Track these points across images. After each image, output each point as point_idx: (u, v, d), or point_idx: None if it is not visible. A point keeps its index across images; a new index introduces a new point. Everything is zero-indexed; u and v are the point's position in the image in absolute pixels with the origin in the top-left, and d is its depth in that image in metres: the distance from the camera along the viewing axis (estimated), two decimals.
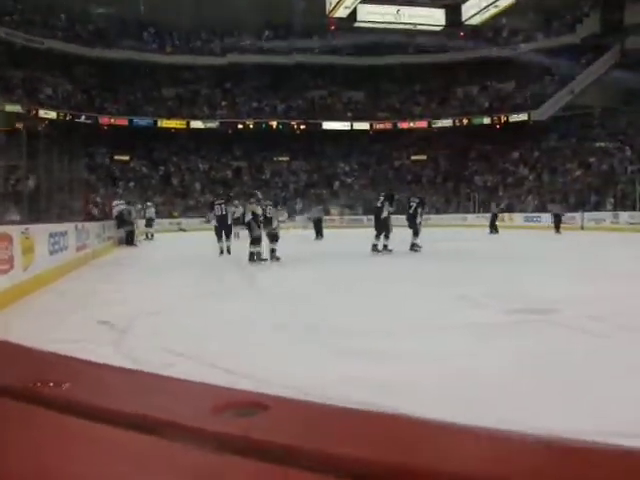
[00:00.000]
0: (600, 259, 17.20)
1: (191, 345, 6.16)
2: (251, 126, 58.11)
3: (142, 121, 55.66)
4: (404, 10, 31.01)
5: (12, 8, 50.32)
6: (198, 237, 22.71)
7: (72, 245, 14.83)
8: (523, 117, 54.99)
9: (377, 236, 18.80)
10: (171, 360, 5.49)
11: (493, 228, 32.82)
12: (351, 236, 30.97)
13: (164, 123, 56.37)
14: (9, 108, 41.41)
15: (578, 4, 54.96)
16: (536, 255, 19.10)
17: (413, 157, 60.42)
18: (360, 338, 6.43)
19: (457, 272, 13.73)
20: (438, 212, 50.58)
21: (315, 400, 0.89)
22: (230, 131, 57.81)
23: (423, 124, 58.58)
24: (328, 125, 59.09)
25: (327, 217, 38.56)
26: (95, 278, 13.82)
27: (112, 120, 54.30)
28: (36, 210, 13.55)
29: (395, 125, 59.21)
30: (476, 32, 52.67)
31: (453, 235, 20.36)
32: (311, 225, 30.51)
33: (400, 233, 19.03)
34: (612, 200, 39.20)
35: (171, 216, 47.58)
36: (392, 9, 30.79)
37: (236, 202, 32.61)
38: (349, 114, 60.61)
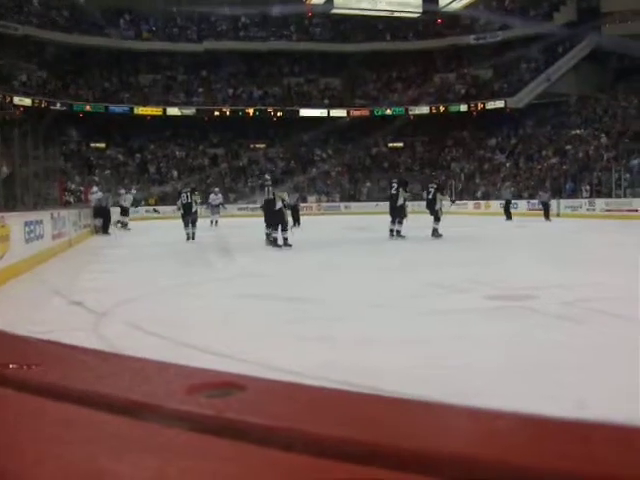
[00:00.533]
0: (577, 246, 17.33)
1: (167, 329, 6.16)
2: (228, 113, 57.85)
3: (118, 108, 55.21)
4: None
5: None
6: (174, 224, 22.68)
7: (48, 233, 14.73)
8: (500, 104, 55.13)
9: (393, 222, 19.12)
10: (147, 343, 5.49)
11: (508, 215, 32.86)
12: (329, 223, 31.01)
13: (140, 110, 55.92)
14: None
15: None
16: (513, 241, 19.21)
17: (390, 144, 60.44)
18: (337, 324, 6.45)
19: (437, 258, 13.79)
20: (415, 199, 50.64)
21: (293, 380, 0.89)
22: (206, 118, 57.49)
23: (400, 111, 58.53)
24: (305, 112, 58.92)
25: (304, 204, 38.46)
26: (71, 266, 13.75)
27: (87, 107, 53.81)
28: (11, 198, 13.45)
29: (372, 112, 59.17)
30: (453, 19, 52.85)
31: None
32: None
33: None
34: (588, 187, 39.44)
35: (147, 203, 47.34)
36: None
37: (216, 189, 32.54)
38: (326, 101, 60.48)
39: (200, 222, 22.26)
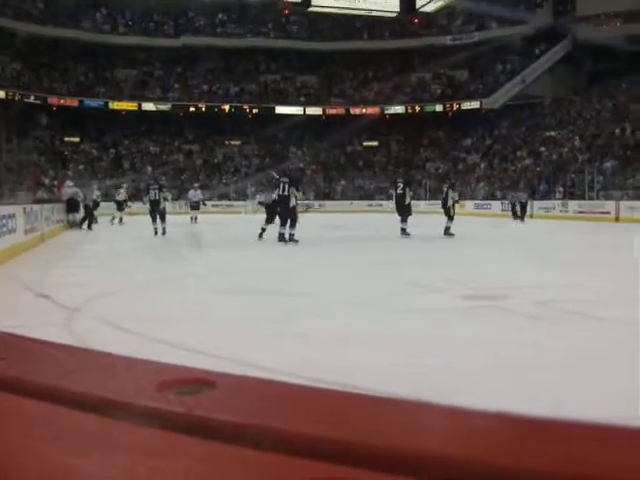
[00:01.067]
0: (551, 247, 17.45)
1: (140, 325, 6.10)
2: (203, 109, 57.66)
3: (93, 102, 54.83)
4: None
5: None
6: (147, 220, 22.65)
7: (20, 228, 14.58)
8: (475, 105, 55.43)
9: (403, 220, 19.46)
10: (118, 338, 5.44)
11: (517, 215, 32.44)
12: (303, 221, 30.93)
13: (115, 105, 55.60)
14: None
15: None
16: (488, 242, 19.30)
17: (365, 143, 60.56)
18: (313, 321, 6.43)
19: (414, 257, 13.83)
20: (389, 198, 50.79)
21: (263, 377, 0.86)
22: (182, 114, 57.32)
23: (376, 110, 58.59)
24: (281, 109, 58.90)
25: None
26: (43, 261, 13.63)
27: (62, 101, 53.36)
28: None
29: (348, 110, 59.20)
30: (430, 19, 53.02)
31: (415, 221, 20.56)
32: (262, 210, 30.39)
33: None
34: (561, 189, 39.73)
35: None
36: None
37: (196, 185, 32.48)
38: (302, 99, 60.52)
39: (180, 218, 22.32)
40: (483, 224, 29.30)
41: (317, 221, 25.46)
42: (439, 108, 57.47)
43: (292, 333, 5.83)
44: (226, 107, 58.11)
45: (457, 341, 5.54)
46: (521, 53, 55.29)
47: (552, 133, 49.00)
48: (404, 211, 19.61)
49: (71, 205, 25.12)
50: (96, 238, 21.47)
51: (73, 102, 53.87)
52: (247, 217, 36.38)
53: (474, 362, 4.82)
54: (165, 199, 22.07)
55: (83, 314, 6.90)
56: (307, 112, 59.13)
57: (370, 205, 50.71)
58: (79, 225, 24.92)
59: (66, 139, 54.67)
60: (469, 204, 44.32)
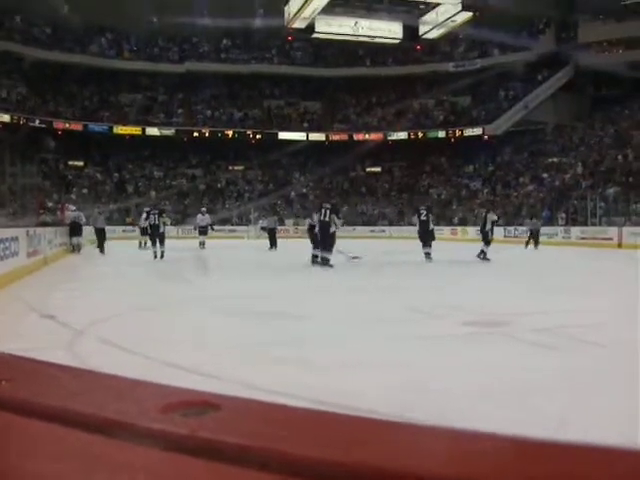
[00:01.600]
0: (552, 273, 17.42)
1: (144, 347, 6.10)
2: (207, 134, 57.83)
3: (97, 127, 55.03)
4: (362, 22, 31.13)
5: None
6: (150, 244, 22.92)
7: (23, 251, 14.60)
8: (478, 131, 55.49)
9: (428, 245, 20.24)
10: (122, 360, 5.44)
11: (532, 243, 31.20)
12: (306, 246, 30.97)
13: (120, 129, 55.78)
14: None
15: (534, 22, 55.89)
16: (490, 267, 19.28)
17: (368, 169, 60.68)
18: (316, 345, 6.43)
19: (417, 282, 13.82)
20: (392, 224, 50.90)
21: (268, 400, 0.87)
22: (186, 139, 57.51)
23: (379, 136, 58.74)
24: (284, 135, 59.03)
25: (281, 227, 38.41)
26: (47, 285, 13.63)
27: (67, 125, 53.59)
28: None
29: (351, 136, 59.34)
30: (433, 46, 53.29)
31: (413, 247, 20.77)
32: (265, 235, 30.46)
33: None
34: (564, 215, 39.73)
35: (125, 223, 47.09)
36: (350, 21, 30.93)
37: (203, 209, 32.46)
38: (305, 124, 60.69)
39: (188, 243, 22.54)
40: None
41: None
42: (442, 134, 57.53)
43: (297, 356, 5.83)
44: (230, 132, 58.28)
45: (460, 367, 5.54)
46: (523, 80, 55.49)
47: (555, 159, 49.08)
48: (428, 237, 20.34)
49: (74, 228, 25.15)
50: (99, 261, 21.53)
51: (78, 126, 54.08)
52: (250, 242, 36.52)
53: (477, 387, 4.82)
54: (164, 224, 22.68)
55: (88, 336, 6.91)
56: (310, 138, 59.21)
57: (373, 231, 50.68)
58: (100, 250, 24.91)
59: (70, 163, 54.88)
60: (471, 230, 44.31)
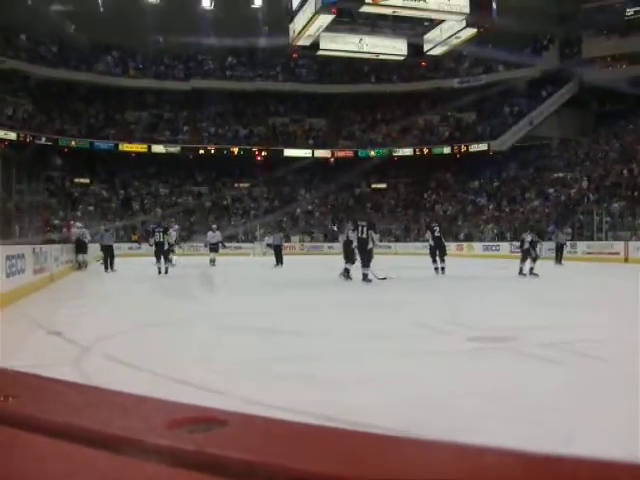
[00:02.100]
0: (559, 288, 17.38)
1: (149, 363, 6.10)
2: (212, 151, 57.91)
3: (103, 144, 55.14)
4: (367, 39, 31.15)
5: None
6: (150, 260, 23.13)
7: (30, 268, 14.62)
8: (483, 147, 55.47)
9: (443, 260, 21.21)
10: (128, 377, 5.44)
11: (558, 259, 29.89)
12: (312, 263, 30.97)
13: (125, 147, 55.87)
14: None
15: (537, 38, 56.04)
16: (496, 283, 19.26)
17: (373, 185, 60.69)
18: (321, 362, 6.42)
19: (423, 298, 13.80)
20: (398, 240, 50.86)
21: (273, 416, 0.87)
22: (191, 156, 57.61)
23: (384, 152, 58.75)
24: (289, 152, 59.04)
25: (287, 244, 38.39)
26: (54, 301, 13.65)
27: (73, 142, 53.74)
28: None
29: (356, 153, 59.38)
30: (438, 63, 53.33)
31: (419, 263, 20.91)
32: (271, 252, 30.42)
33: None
34: (569, 230, 39.66)
35: (131, 240, 47.13)
36: (355, 38, 30.90)
37: (214, 226, 32.38)
38: (310, 141, 60.74)
39: (197, 260, 22.92)
40: (490, 265, 29.21)
41: (325, 263, 25.48)
42: (447, 150, 57.54)
43: (303, 373, 5.83)
44: (235, 150, 58.36)
45: (466, 382, 5.53)
46: (528, 95, 55.56)
47: (560, 174, 49.06)
48: (443, 252, 21.38)
49: (79, 246, 25.17)
50: (105, 278, 21.58)
51: (84, 144, 54.19)
52: (256, 259, 36.49)
53: (483, 402, 4.81)
54: (169, 242, 23.80)
55: (94, 353, 6.92)
56: (316, 155, 59.19)
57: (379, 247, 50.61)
58: (110, 269, 24.85)
59: (76, 180, 55.02)
60: (477, 246, 44.31)
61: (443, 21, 27.87)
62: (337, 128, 62.06)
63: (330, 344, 7.63)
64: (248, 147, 58.65)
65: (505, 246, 41.05)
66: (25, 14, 48.73)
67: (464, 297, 14.29)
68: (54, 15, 49.55)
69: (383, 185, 60.53)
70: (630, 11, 51.01)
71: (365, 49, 32.22)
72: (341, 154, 59.53)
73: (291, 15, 28.44)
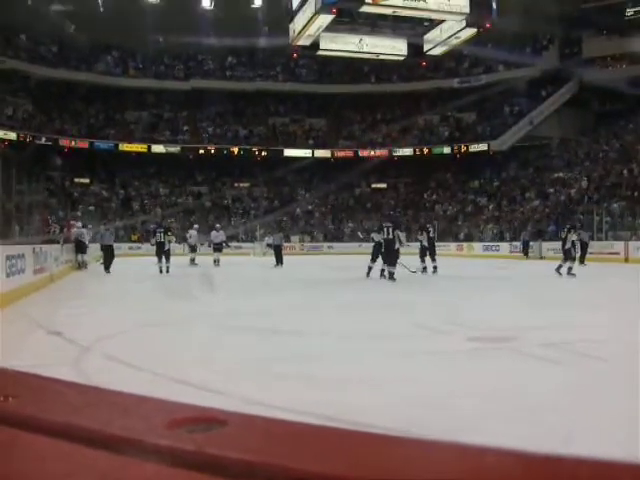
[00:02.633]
0: (558, 288, 17.37)
1: (149, 363, 6.10)
2: (212, 151, 57.84)
3: (103, 144, 55.10)
4: (367, 39, 31.13)
5: None
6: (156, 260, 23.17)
7: (30, 268, 14.61)
8: (483, 147, 55.43)
9: (432, 259, 21.81)
10: (128, 377, 5.44)
11: (582, 260, 27.31)
12: (312, 263, 30.98)
13: (125, 147, 55.79)
14: None
15: (538, 38, 56.05)
16: (496, 283, 19.26)
17: (373, 185, 60.67)
18: (320, 362, 6.42)
19: (422, 299, 13.80)
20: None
21: (273, 417, 0.87)
22: (191, 156, 57.53)
23: (384, 152, 58.75)
24: (289, 152, 58.98)
25: (287, 244, 38.36)
26: (53, 301, 13.64)
27: (73, 142, 53.69)
28: None
29: (356, 153, 59.34)
30: (438, 63, 53.33)
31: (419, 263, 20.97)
32: (271, 252, 30.38)
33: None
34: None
35: (130, 240, 47.11)
36: (355, 38, 30.88)
37: (218, 225, 32.21)
38: (310, 141, 60.70)
39: (201, 259, 25.43)
40: (490, 265, 29.21)
41: (325, 263, 25.51)
42: (447, 150, 57.49)
43: (302, 372, 5.83)
44: (235, 149, 58.29)
45: (466, 382, 5.53)
46: (528, 95, 55.48)
47: (560, 174, 49.04)
48: (434, 251, 22.06)
49: (79, 246, 25.14)
50: (105, 278, 21.56)
51: (84, 144, 54.12)
52: (256, 259, 36.49)
53: (483, 402, 4.81)
54: (170, 241, 23.87)
55: (94, 353, 6.92)
56: (316, 155, 59.09)
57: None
58: (105, 268, 24.65)
59: (76, 180, 54.93)
60: (477, 246, 44.33)
61: (443, 21, 27.84)
62: (337, 128, 62.01)
63: (330, 344, 7.64)
64: (248, 147, 58.58)
65: (505, 246, 41.11)
66: (25, 14, 48.69)
67: (464, 297, 14.29)
68: (54, 15, 49.51)
69: (383, 185, 60.48)
70: (630, 11, 51.01)
71: (365, 49, 32.20)
72: (341, 154, 59.48)
73: (291, 15, 28.41)
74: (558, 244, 37.36)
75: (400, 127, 60.39)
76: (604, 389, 5.24)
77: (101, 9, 50.89)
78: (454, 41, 29.82)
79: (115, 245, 26.75)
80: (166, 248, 23.40)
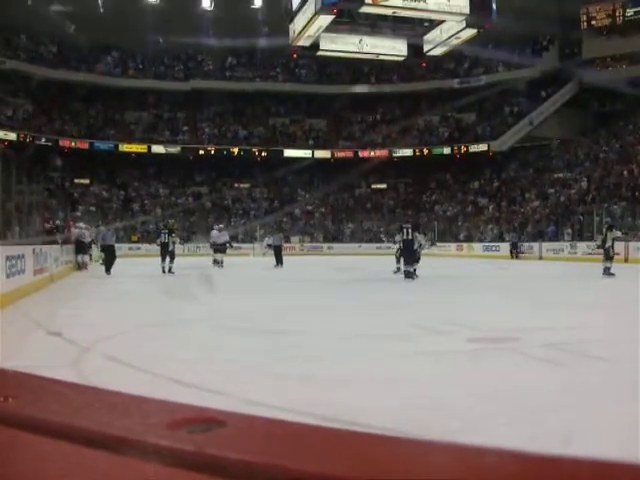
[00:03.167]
0: (559, 288, 17.38)
1: (148, 364, 6.10)
2: (212, 152, 57.78)
3: (103, 145, 55.06)
4: (367, 40, 31.12)
5: None
6: (157, 261, 23.22)
7: (30, 269, 14.61)
8: (483, 147, 55.39)
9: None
10: (128, 378, 5.44)
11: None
12: (312, 263, 30.98)
13: (125, 147, 55.75)
14: None
15: (537, 38, 56.03)
16: (496, 283, 19.27)
17: (373, 185, 60.63)
18: (319, 362, 6.42)
19: (422, 298, 13.80)
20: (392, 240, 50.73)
21: (273, 417, 0.87)
22: (191, 157, 57.48)
23: (384, 153, 58.72)
24: (289, 153, 58.93)
25: (287, 244, 38.34)
26: (53, 302, 13.64)
27: (72, 143, 53.65)
28: None
29: (356, 153, 59.30)
30: (437, 63, 53.35)
31: (420, 263, 20.96)
32: (271, 252, 30.36)
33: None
34: (570, 231, 39.67)
35: (130, 241, 47.12)
36: (355, 39, 30.87)
37: (221, 225, 32.06)
38: (310, 142, 60.66)
39: (199, 260, 23.21)
40: (490, 265, 29.21)
41: (325, 263, 25.50)
42: (447, 151, 57.44)
43: (301, 373, 5.84)
44: (235, 150, 58.23)
45: (466, 382, 5.53)
46: (528, 96, 55.43)
47: (560, 175, 49.00)
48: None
49: (79, 246, 25.14)
50: (105, 279, 21.53)
51: (84, 144, 54.07)
52: (256, 259, 36.49)
53: (483, 402, 4.81)
54: (174, 242, 24.17)
55: (94, 353, 6.92)
56: (316, 155, 59.00)
57: (379, 248, 50.45)
58: (107, 272, 24.40)
59: (76, 181, 54.88)
60: (477, 246, 44.35)
61: (443, 22, 27.84)
62: (337, 129, 62.00)
63: (330, 344, 7.64)
64: (248, 147, 58.52)
65: (505, 246, 41.09)
66: (25, 14, 48.66)
67: (464, 297, 14.29)
68: (54, 15, 49.45)
69: (383, 185, 60.43)
70: (630, 11, 51.04)
71: (365, 49, 32.18)
72: (341, 154, 59.45)
73: (291, 16, 28.42)
74: (558, 244, 37.70)
75: (400, 128, 60.31)
76: (604, 389, 5.24)
77: (101, 9, 50.85)
78: (454, 42, 29.81)
79: (116, 246, 26.73)
80: (170, 249, 23.63)
